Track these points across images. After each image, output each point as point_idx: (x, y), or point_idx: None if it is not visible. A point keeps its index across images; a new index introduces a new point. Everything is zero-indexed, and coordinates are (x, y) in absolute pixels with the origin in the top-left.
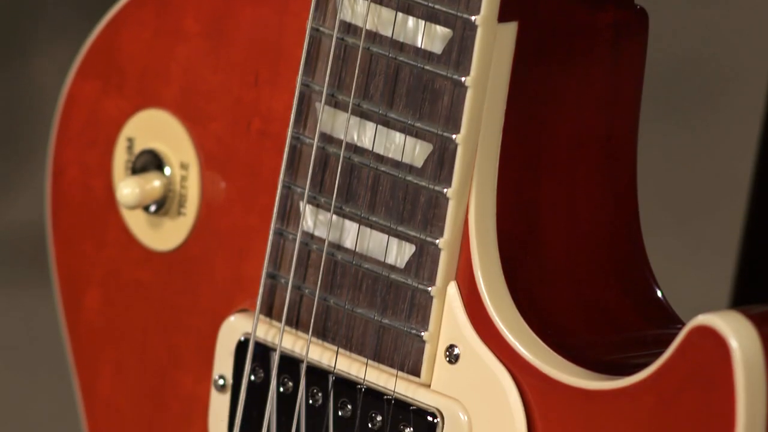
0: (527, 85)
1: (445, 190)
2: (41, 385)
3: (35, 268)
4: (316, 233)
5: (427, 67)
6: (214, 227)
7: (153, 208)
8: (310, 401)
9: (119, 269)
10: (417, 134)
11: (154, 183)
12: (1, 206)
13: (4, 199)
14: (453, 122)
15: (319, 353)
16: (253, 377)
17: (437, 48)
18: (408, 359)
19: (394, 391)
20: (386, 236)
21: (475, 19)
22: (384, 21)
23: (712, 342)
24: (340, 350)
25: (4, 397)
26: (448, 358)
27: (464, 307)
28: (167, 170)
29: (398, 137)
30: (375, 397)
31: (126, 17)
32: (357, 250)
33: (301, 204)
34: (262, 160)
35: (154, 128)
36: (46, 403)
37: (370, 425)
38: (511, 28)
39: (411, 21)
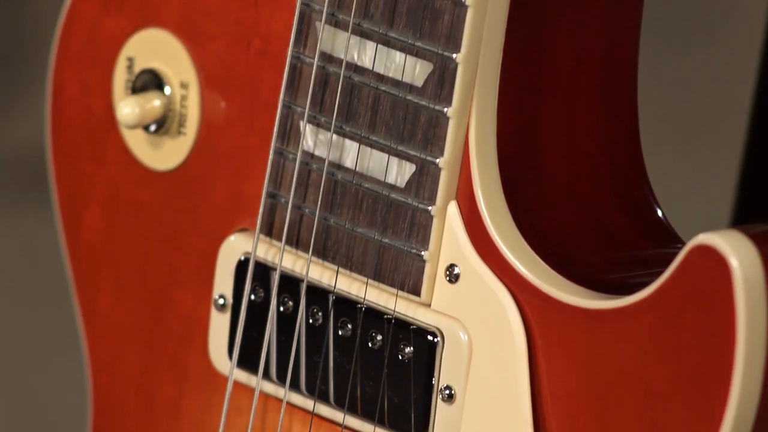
0: (528, 4)
1: (445, 109)
2: (42, 308)
3: (36, 191)
4: (316, 153)
5: None
6: (214, 147)
7: (153, 127)
8: (310, 321)
9: (119, 189)
10: (417, 53)
11: (154, 102)
12: (2, 128)
13: (5, 121)
14: (453, 41)
15: (320, 273)
16: (253, 297)
17: None
18: (408, 279)
19: (394, 311)
20: (386, 155)
21: None
22: None
23: (712, 261)
24: (340, 270)
25: (5, 319)
26: (448, 278)
27: (464, 227)
28: (167, 90)
29: (398, 56)
30: (375, 316)
31: None
32: (357, 169)
33: (301, 123)
34: (262, 79)
35: (154, 48)
36: (46, 326)
37: (370, 344)
38: None
39: None
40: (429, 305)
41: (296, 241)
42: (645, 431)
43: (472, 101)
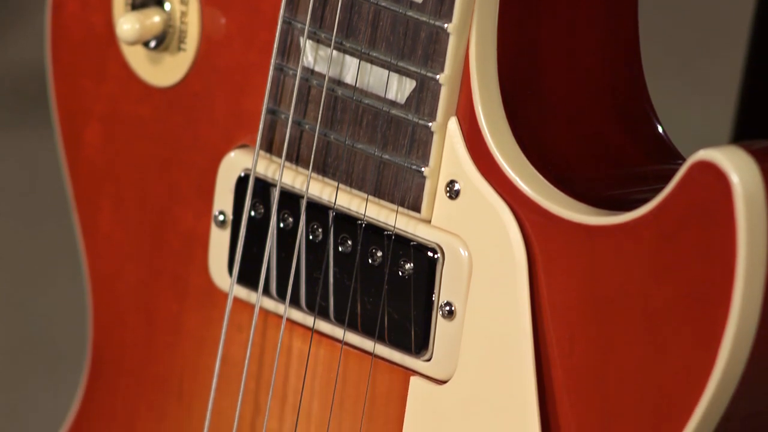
0: None
1: (445, 25)
2: (42, 228)
3: (36, 110)
4: (317, 69)
5: None
6: (214, 63)
7: (153, 44)
8: (311, 237)
9: (119, 105)
10: None
11: (154, 19)
12: (1, 46)
13: (3, 39)
14: None
15: (320, 189)
16: (253, 213)
17: None
18: (408, 195)
19: (394, 227)
20: (386, 72)
21: None
22: None
23: (713, 177)
24: (341, 186)
25: (5, 240)
26: (448, 194)
27: (465, 143)
28: (167, 6)
29: None
30: (375, 232)
31: None
32: (357, 85)
33: (302, 39)
34: None
35: None
36: (47, 246)
37: (370, 261)
38: None
39: None
40: (429, 221)
41: (296, 158)
42: (645, 348)
43: (472, 17)
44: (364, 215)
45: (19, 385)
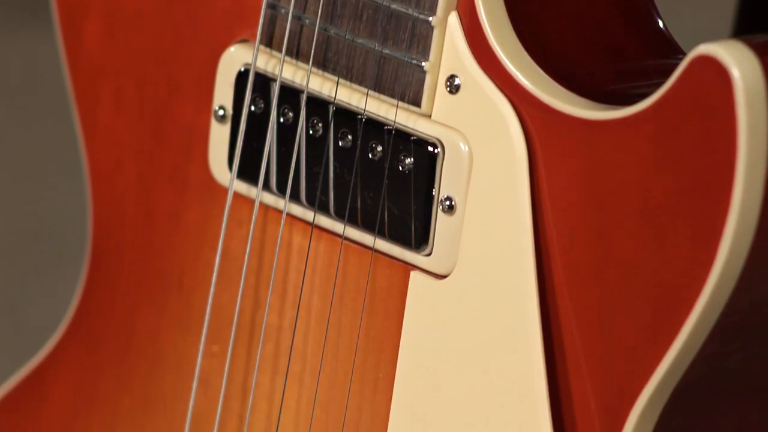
0: None
1: None
2: (42, 125)
3: (35, 6)
4: None
5: None
6: None
7: None
8: (311, 132)
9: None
10: None
11: None
12: None
13: None
14: None
15: (320, 84)
16: (253, 107)
17: None
18: (408, 90)
19: (394, 122)
20: None
21: None
22: None
23: (713, 71)
24: (341, 81)
25: (6, 137)
26: (448, 89)
27: (465, 37)
28: None
29: None
30: (375, 127)
31: None
32: None
33: None
34: None
35: None
36: (47, 144)
37: (370, 155)
38: None
39: None
40: (429, 116)
41: (296, 52)
42: (645, 243)
43: None
44: (364, 110)
45: (20, 282)
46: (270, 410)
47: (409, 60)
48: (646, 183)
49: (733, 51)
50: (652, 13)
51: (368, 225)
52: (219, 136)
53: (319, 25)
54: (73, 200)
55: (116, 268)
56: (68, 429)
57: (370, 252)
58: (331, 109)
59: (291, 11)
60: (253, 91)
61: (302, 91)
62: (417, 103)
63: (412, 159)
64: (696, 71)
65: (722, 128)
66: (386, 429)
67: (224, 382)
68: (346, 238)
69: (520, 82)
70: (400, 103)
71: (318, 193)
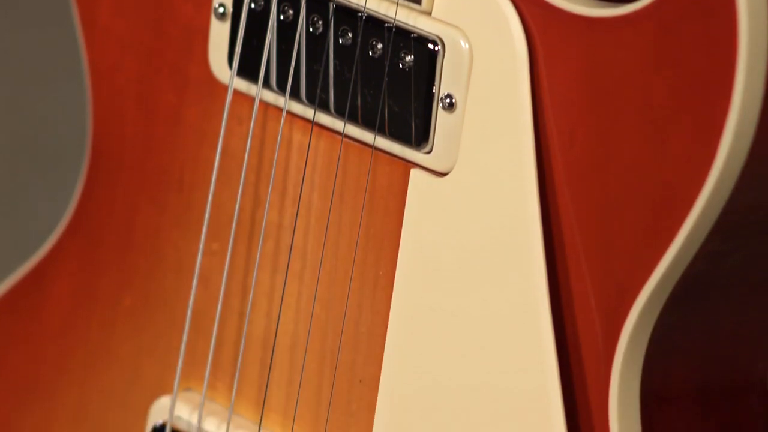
0: None
1: None
2: (42, 28)
3: None
4: None
5: None
6: None
7: None
8: (311, 29)
9: None
10: None
11: None
12: None
13: None
14: None
15: None
16: (252, 5)
17: None
18: None
19: (394, 19)
20: None
21: None
22: None
23: None
24: None
25: (4, 41)
26: None
27: None
28: None
29: None
30: (375, 24)
31: None
32: None
33: None
34: None
35: None
36: (46, 46)
37: (370, 53)
38: None
39: None
40: (430, 14)
41: None
42: (646, 140)
43: None
44: (365, 7)
45: (19, 185)
46: (270, 308)
47: None
48: (647, 81)
49: None
50: None
51: (368, 122)
52: (219, 33)
53: None
54: (73, 100)
55: (116, 168)
56: (68, 327)
57: (371, 150)
58: (331, 6)
59: None
60: None
61: None
62: (417, 0)
63: (412, 56)
64: None
65: (723, 24)
66: (386, 326)
67: (224, 279)
68: (347, 136)
69: None
70: (401, 1)
71: (318, 90)
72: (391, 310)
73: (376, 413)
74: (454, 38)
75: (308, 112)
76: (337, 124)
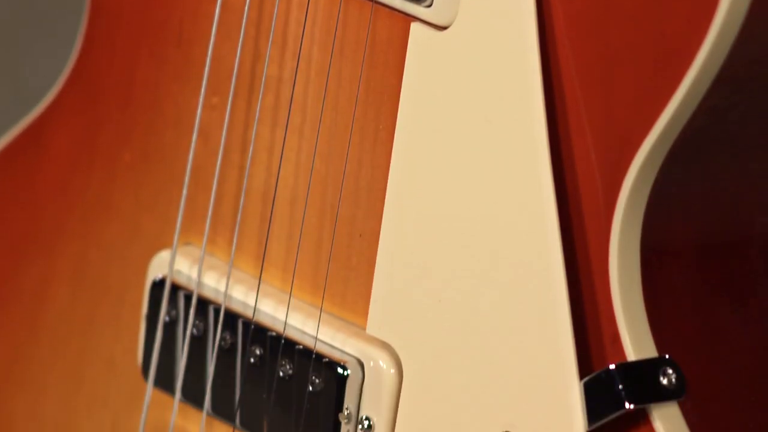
0: None
1: None
2: None
3: None
4: None
5: None
6: None
7: None
8: None
9: None
10: None
11: None
12: None
13: None
14: None
15: None
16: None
17: None
18: None
19: None
20: None
21: None
22: None
23: None
24: None
25: None
26: None
27: None
28: None
29: None
30: None
31: None
32: None
33: None
34: None
35: None
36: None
37: None
38: None
39: None
40: None
41: None
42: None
43: None
44: None
45: (18, 39)
46: (270, 162)
47: None
48: None
49: None
50: None
51: None
52: None
53: None
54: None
55: (115, 21)
56: (67, 183)
57: (371, 3)
58: None
59: None
60: None
61: None
62: None
63: None
64: None
65: None
66: (386, 181)
67: (224, 134)
68: None
69: None
70: None
71: None
72: (391, 165)
73: (376, 268)
74: None
75: None
76: None
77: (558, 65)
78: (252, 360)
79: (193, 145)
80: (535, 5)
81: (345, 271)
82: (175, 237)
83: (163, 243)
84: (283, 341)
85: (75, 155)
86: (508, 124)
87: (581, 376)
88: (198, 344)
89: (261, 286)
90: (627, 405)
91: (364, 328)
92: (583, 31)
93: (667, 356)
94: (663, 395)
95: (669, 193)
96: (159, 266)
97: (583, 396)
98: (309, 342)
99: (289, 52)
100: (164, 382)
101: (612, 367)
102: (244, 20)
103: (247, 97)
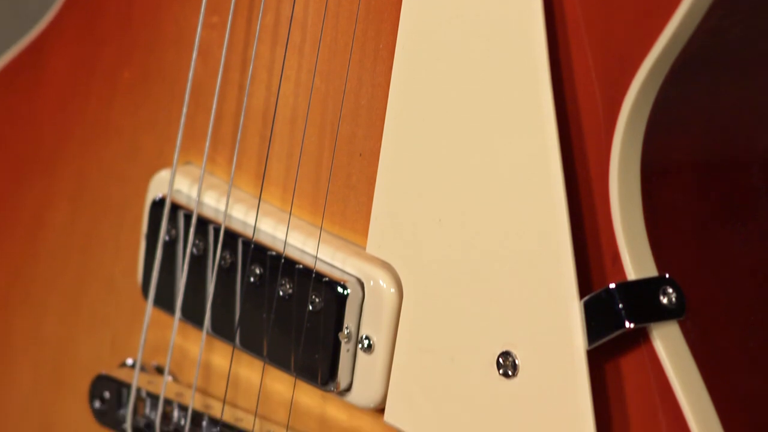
0: None
1: None
2: None
3: None
4: None
5: None
6: None
7: None
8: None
9: None
10: None
11: None
12: None
13: None
14: None
15: None
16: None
17: None
18: None
19: None
20: None
21: None
22: None
23: None
24: None
25: None
26: None
27: None
28: None
29: None
30: None
31: None
32: None
33: None
34: None
35: None
36: None
37: None
38: None
39: None
40: None
41: None
42: None
43: None
44: None
45: None
46: (270, 80)
47: None
48: None
49: None
50: None
51: None
52: None
53: None
54: None
55: None
56: (66, 102)
57: None
58: None
59: None
60: None
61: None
62: None
63: None
64: None
65: None
66: (386, 100)
67: (224, 52)
68: None
69: None
70: None
71: None
72: (391, 84)
73: (376, 187)
74: None
75: None
76: None
77: None
78: (252, 279)
79: (193, 63)
80: None
81: (345, 190)
82: (175, 156)
83: (163, 162)
84: (283, 260)
85: (74, 74)
86: (509, 41)
87: (581, 295)
88: (198, 264)
89: (261, 205)
90: (627, 324)
91: (364, 248)
92: None
93: (667, 275)
94: (663, 314)
95: (670, 111)
96: (159, 185)
97: (583, 315)
98: (309, 261)
99: None
100: (164, 301)
101: (612, 286)
102: None
103: (247, 16)
